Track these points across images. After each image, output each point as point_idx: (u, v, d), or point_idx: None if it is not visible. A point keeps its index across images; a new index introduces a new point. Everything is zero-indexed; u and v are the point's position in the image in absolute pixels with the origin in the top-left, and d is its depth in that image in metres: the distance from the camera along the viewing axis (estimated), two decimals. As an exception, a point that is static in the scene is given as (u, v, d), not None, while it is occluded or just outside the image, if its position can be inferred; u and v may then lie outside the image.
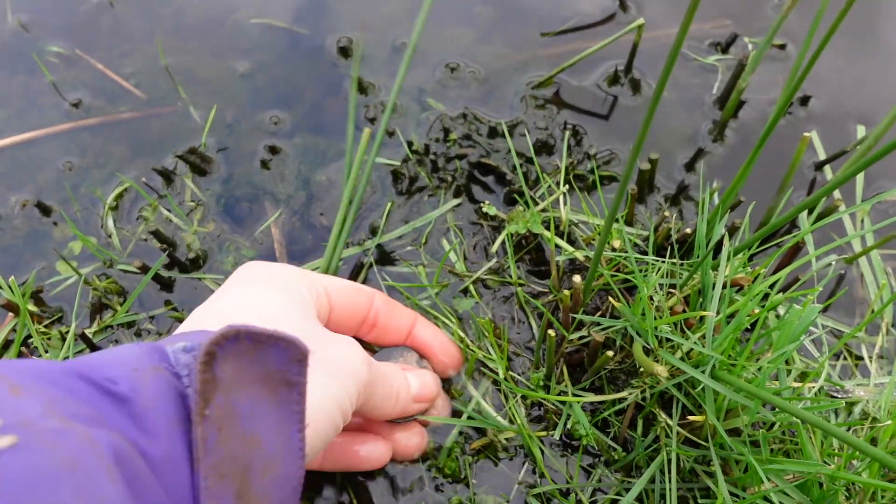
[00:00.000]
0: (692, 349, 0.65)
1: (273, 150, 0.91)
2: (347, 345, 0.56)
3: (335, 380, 0.51)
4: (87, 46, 1.00)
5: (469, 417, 0.71)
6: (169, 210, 0.86)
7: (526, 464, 0.71)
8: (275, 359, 0.40)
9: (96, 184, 0.89)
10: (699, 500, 0.67)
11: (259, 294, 0.55)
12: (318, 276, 0.62)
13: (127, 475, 0.35)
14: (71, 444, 0.33)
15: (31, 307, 0.78)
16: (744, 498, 0.61)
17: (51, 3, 1.05)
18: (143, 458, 0.36)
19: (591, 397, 0.69)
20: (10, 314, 0.78)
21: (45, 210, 0.87)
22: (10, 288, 0.80)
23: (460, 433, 0.72)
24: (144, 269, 0.80)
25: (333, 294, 0.63)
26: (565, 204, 0.82)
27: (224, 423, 0.38)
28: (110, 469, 0.34)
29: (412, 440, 0.68)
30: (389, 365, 0.65)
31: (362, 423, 0.67)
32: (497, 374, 0.73)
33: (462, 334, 0.76)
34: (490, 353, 0.75)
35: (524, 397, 0.73)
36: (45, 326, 0.78)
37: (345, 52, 0.99)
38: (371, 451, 0.65)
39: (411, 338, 0.70)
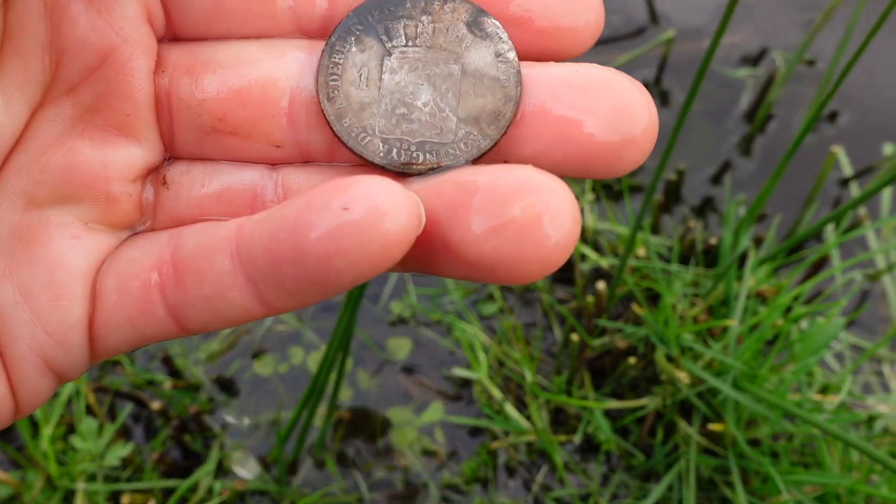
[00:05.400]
0: (713, 358, 0.65)
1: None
2: None
3: None
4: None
5: (490, 419, 0.72)
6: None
7: (545, 468, 0.72)
8: None
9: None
10: (717, 509, 0.67)
11: None
12: None
13: None
14: None
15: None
16: (762, 507, 0.62)
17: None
18: None
19: (613, 403, 0.70)
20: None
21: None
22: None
23: (480, 432, 0.73)
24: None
25: None
26: (591, 212, 0.83)
27: None
28: None
29: None
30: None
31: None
32: (522, 377, 0.74)
33: (487, 338, 0.77)
34: (512, 356, 0.76)
35: (546, 402, 0.74)
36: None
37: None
38: None
39: None
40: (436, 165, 0.25)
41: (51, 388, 0.26)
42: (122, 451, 0.67)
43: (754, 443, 0.68)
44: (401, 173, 0.25)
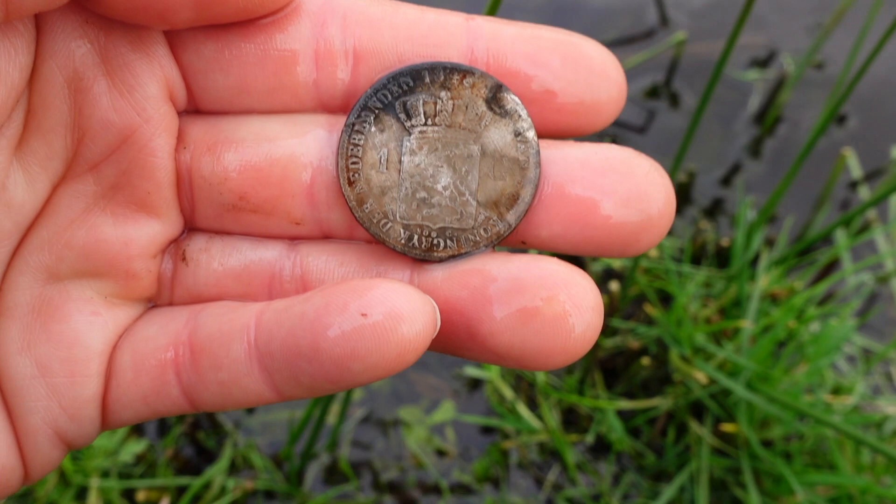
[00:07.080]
0: (726, 359, 0.66)
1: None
2: None
3: None
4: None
5: (502, 418, 0.72)
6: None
7: (557, 467, 0.72)
8: None
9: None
10: (729, 509, 0.67)
11: None
12: None
13: None
14: None
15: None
16: (775, 507, 0.62)
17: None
18: None
19: (624, 403, 0.70)
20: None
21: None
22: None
23: (492, 431, 0.73)
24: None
25: None
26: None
27: None
28: None
29: None
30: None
31: None
32: (534, 376, 0.75)
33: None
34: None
35: (558, 401, 0.74)
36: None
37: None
38: None
39: None
40: (456, 253, 0.25)
41: (60, 457, 0.26)
42: (136, 447, 0.67)
43: (766, 444, 0.68)
44: (421, 259, 0.25)
